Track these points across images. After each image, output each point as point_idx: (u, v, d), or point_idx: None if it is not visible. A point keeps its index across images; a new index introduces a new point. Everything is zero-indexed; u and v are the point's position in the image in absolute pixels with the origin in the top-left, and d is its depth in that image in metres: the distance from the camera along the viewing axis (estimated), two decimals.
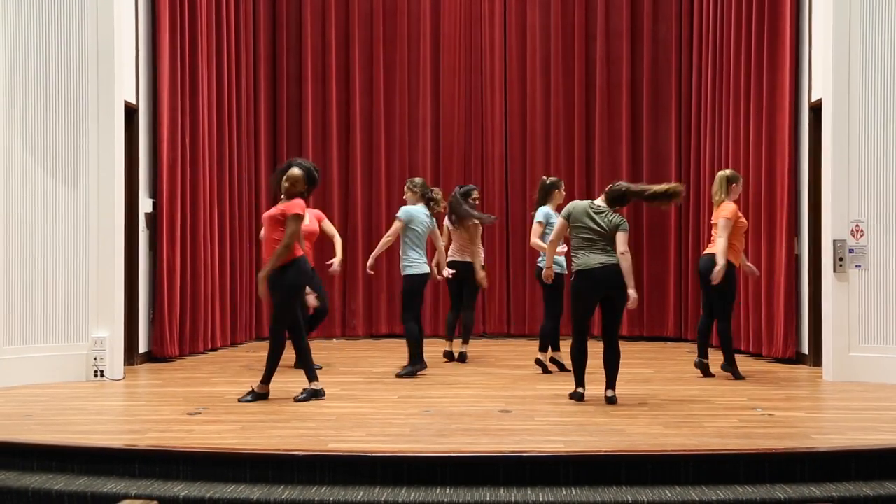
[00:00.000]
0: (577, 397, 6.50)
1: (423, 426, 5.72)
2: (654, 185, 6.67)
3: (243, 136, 9.86)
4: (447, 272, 8.06)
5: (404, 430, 5.62)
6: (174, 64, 8.60)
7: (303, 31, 10.40)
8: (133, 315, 8.24)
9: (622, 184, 6.57)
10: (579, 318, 6.49)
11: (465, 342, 8.43)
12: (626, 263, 6.28)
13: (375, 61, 10.48)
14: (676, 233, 10.23)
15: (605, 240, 6.34)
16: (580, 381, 6.52)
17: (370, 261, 7.88)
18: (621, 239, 6.30)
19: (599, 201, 6.49)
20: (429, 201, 7.81)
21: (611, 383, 6.43)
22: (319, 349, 9.20)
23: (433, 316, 10.25)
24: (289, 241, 6.34)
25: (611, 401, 6.38)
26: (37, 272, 7.34)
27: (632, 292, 6.30)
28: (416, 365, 7.59)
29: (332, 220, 10.14)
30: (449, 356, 8.41)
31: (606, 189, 6.53)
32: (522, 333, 10.37)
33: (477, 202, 8.49)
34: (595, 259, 6.32)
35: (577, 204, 6.53)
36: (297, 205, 6.42)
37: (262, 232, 6.76)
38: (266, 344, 6.83)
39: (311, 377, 6.64)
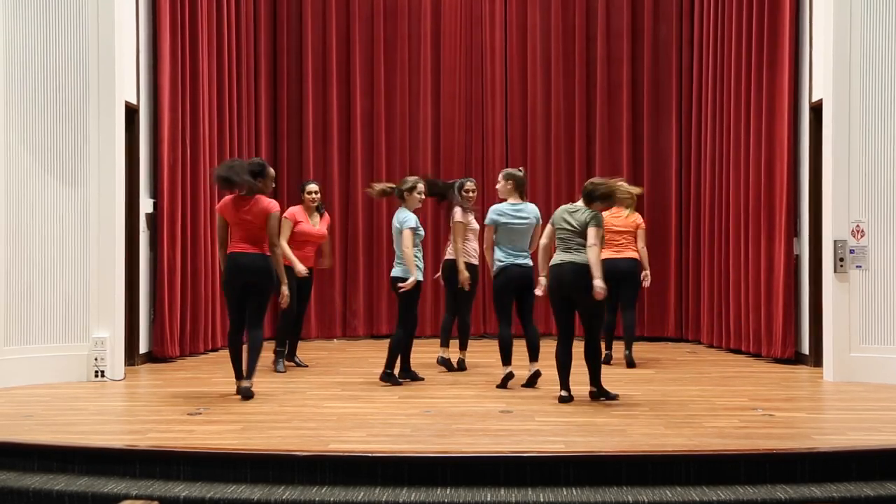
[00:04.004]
0: (563, 400, 6.50)
1: (423, 426, 5.73)
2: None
3: (244, 137, 9.86)
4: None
5: (405, 430, 5.62)
6: (175, 64, 8.60)
7: (303, 32, 10.39)
8: (134, 315, 8.24)
9: (590, 181, 6.75)
10: (556, 317, 6.67)
11: (462, 348, 7.99)
12: (591, 255, 6.30)
13: (376, 62, 10.47)
14: (677, 233, 10.23)
15: (577, 237, 6.43)
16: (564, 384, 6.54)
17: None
18: (591, 233, 6.36)
19: (579, 202, 6.60)
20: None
21: (593, 380, 6.55)
22: (320, 349, 9.23)
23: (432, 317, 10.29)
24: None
25: (594, 396, 6.55)
26: (38, 272, 7.34)
27: (597, 282, 6.25)
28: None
29: (332, 221, 10.20)
30: (443, 363, 7.98)
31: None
32: (523, 334, 10.35)
33: (468, 194, 7.91)
34: (558, 257, 6.49)
35: (561, 207, 6.74)
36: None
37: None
38: (266, 344, 6.93)
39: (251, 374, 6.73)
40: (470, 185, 7.99)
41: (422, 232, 7.22)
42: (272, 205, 6.61)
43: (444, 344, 8.07)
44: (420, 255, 7.21)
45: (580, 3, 10.35)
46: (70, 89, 7.44)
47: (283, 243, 7.45)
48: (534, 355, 7.10)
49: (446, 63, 10.49)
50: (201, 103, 8.95)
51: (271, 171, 6.89)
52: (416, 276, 7.00)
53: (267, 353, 8.53)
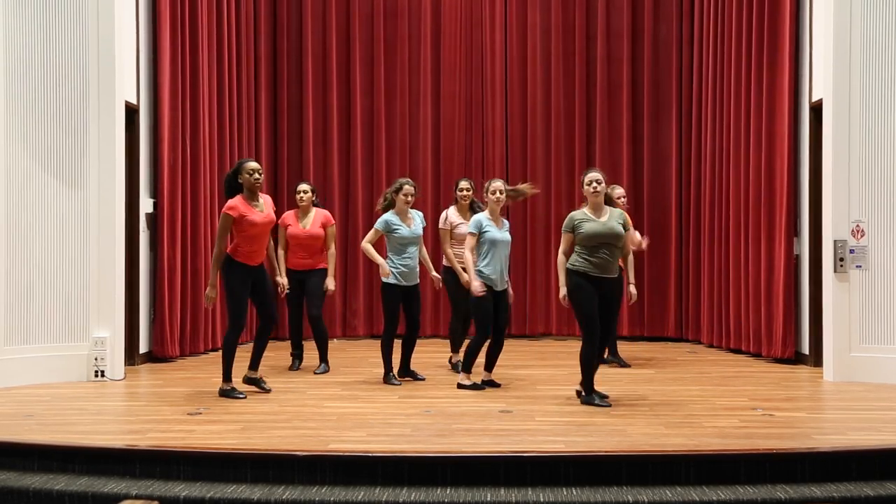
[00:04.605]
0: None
1: (423, 426, 5.73)
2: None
3: (244, 137, 9.86)
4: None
5: (405, 430, 5.62)
6: (175, 64, 8.60)
7: (303, 32, 10.39)
8: (134, 315, 8.25)
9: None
10: None
11: (453, 351, 7.93)
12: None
13: (376, 62, 10.47)
14: (677, 233, 10.23)
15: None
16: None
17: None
18: None
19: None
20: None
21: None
22: None
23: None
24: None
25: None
26: (38, 272, 7.34)
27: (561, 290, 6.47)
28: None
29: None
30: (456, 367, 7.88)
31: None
32: (523, 334, 10.38)
33: (462, 193, 7.81)
34: None
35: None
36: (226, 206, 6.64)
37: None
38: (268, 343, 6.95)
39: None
40: (464, 184, 7.86)
41: (403, 233, 7.19)
42: (226, 206, 6.62)
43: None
44: (403, 256, 7.21)
45: (580, 2, 10.35)
46: (70, 89, 7.45)
47: (220, 246, 6.69)
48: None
49: (446, 63, 10.49)
50: (201, 103, 8.95)
51: (248, 164, 6.66)
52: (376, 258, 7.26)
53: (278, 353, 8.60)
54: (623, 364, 8.17)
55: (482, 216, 6.98)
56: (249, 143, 9.98)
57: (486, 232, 6.90)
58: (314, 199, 8.05)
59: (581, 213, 6.42)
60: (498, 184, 7.05)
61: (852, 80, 7.44)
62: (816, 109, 7.99)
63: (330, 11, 10.41)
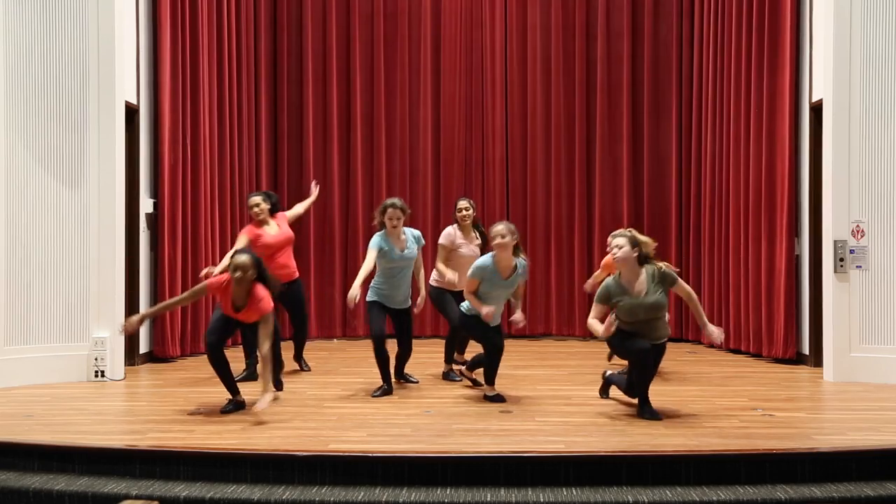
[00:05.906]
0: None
1: (423, 426, 5.73)
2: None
3: (244, 137, 9.85)
4: None
5: (405, 430, 5.62)
6: (175, 64, 8.61)
7: (303, 33, 10.39)
8: (134, 315, 8.22)
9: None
10: None
11: (446, 362, 7.54)
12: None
13: (376, 62, 10.47)
14: (677, 233, 10.22)
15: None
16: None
17: None
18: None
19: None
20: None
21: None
22: (320, 349, 9.22)
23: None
24: None
25: None
26: (38, 272, 7.35)
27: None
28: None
29: (332, 222, 10.22)
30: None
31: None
32: (523, 334, 10.36)
33: (461, 213, 7.46)
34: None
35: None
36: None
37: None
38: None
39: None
40: (463, 203, 7.47)
41: (391, 255, 6.74)
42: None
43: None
44: (387, 280, 6.79)
45: (580, 2, 10.34)
46: (70, 89, 7.45)
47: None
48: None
49: (446, 63, 10.48)
50: (201, 103, 8.95)
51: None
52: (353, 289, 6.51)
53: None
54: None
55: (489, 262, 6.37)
56: (250, 143, 9.97)
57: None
58: (271, 206, 7.54)
59: (615, 284, 5.81)
60: (500, 227, 6.34)
61: (852, 81, 7.44)
62: (816, 110, 8.00)
63: (330, 11, 10.40)
